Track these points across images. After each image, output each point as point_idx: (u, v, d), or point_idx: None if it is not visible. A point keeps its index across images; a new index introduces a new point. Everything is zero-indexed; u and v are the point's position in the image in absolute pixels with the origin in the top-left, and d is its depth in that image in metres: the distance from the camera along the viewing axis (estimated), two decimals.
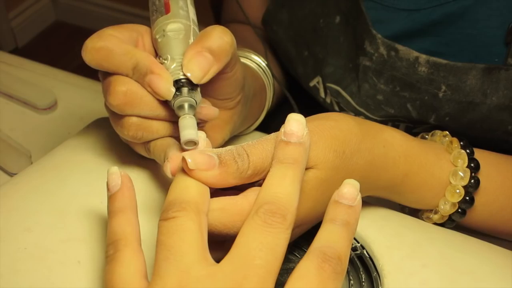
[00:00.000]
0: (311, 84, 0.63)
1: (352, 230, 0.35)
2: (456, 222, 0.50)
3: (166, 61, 0.43)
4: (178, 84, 0.41)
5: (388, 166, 0.45)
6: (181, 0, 0.46)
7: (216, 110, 0.45)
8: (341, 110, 0.61)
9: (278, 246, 0.33)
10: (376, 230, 0.46)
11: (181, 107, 0.41)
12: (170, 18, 0.44)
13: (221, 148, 0.37)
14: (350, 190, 0.35)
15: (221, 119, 0.49)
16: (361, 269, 0.44)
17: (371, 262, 0.44)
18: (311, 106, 0.62)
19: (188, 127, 0.40)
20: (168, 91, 0.41)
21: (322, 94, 0.62)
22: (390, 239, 0.45)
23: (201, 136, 0.40)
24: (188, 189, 0.35)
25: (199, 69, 0.41)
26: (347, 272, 0.43)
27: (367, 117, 0.58)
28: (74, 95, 0.71)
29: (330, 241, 0.34)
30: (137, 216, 0.37)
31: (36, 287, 0.40)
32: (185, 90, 0.41)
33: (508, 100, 0.51)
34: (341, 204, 0.35)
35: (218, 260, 0.33)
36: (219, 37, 0.42)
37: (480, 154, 0.49)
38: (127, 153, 0.51)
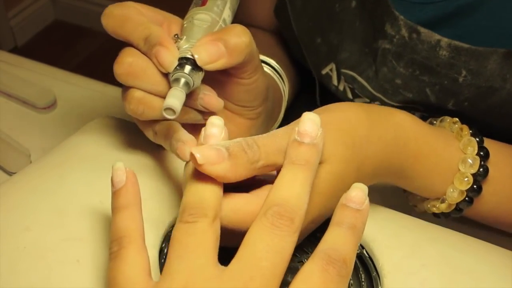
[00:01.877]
0: (323, 72, 0.62)
1: (359, 234, 0.35)
2: (462, 212, 0.50)
3: (180, 40, 0.44)
4: (182, 60, 0.42)
5: (399, 148, 0.45)
6: (220, 0, 0.47)
7: (221, 102, 0.45)
8: (355, 96, 0.60)
9: (284, 249, 0.33)
10: (375, 229, 0.46)
11: (177, 80, 0.42)
12: (203, 10, 0.46)
13: (229, 141, 0.37)
14: (358, 194, 0.35)
15: (238, 129, 0.49)
16: (360, 269, 0.44)
17: (370, 262, 0.44)
18: (321, 99, 0.62)
19: (174, 97, 0.40)
20: (171, 63, 0.42)
21: (335, 82, 0.62)
22: (390, 239, 0.45)
23: (219, 124, 0.37)
24: (208, 193, 0.35)
25: (207, 54, 0.42)
26: None
27: (383, 102, 0.58)
28: (74, 95, 0.71)
29: (336, 244, 0.34)
30: (141, 212, 0.37)
31: (35, 286, 0.40)
32: (187, 68, 0.42)
33: None
34: (349, 208, 0.35)
35: None
36: (237, 35, 0.43)
37: (488, 143, 0.49)
38: (127, 152, 0.51)
